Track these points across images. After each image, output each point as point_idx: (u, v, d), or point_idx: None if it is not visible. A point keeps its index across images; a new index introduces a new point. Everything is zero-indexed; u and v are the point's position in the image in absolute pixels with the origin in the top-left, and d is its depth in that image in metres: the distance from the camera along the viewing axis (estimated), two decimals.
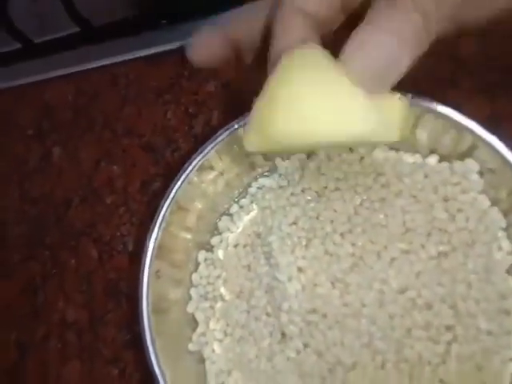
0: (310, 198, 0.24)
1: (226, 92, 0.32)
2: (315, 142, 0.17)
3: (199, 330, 0.24)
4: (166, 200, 0.24)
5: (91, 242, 0.32)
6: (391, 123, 0.17)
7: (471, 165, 0.22)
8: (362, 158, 0.24)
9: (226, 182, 0.27)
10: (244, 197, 0.27)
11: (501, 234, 0.21)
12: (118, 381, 0.29)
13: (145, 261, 0.24)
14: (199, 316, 0.25)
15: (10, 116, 0.38)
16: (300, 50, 0.16)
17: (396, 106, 0.17)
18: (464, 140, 0.21)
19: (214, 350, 0.24)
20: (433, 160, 0.23)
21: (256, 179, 0.27)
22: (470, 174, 0.22)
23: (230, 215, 0.27)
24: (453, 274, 0.21)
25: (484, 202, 0.22)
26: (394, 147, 0.24)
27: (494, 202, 0.22)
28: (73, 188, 0.33)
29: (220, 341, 0.24)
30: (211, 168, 0.25)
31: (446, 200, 0.22)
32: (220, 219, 0.27)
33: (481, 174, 0.22)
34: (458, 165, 0.22)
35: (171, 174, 0.25)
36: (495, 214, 0.21)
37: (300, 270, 0.22)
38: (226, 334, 0.24)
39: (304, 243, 0.22)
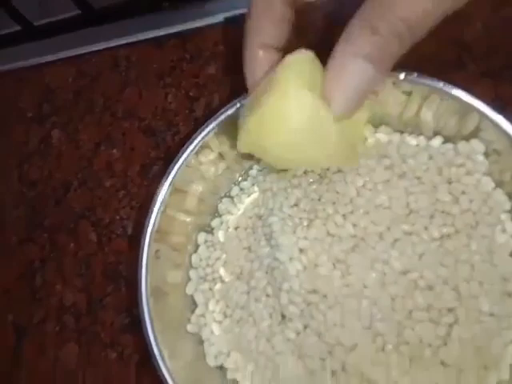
0: (312, 180, 0.24)
1: (227, 75, 0.31)
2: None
3: (198, 311, 0.24)
4: (165, 183, 0.24)
5: (90, 226, 0.32)
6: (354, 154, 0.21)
7: (476, 145, 0.21)
8: (365, 139, 0.23)
9: (227, 165, 0.26)
10: (245, 179, 0.27)
11: (505, 216, 0.21)
12: (117, 364, 0.28)
13: (144, 243, 0.24)
14: (198, 297, 0.25)
15: (9, 99, 0.37)
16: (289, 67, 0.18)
17: (362, 117, 0.19)
18: (470, 121, 0.21)
19: (212, 332, 0.24)
20: (437, 142, 0.23)
21: (258, 161, 0.26)
22: (475, 155, 0.21)
23: (231, 198, 0.27)
24: (456, 255, 0.20)
25: (488, 183, 0.21)
26: (397, 129, 0.24)
27: (499, 184, 0.21)
28: (72, 171, 0.33)
29: (219, 322, 0.24)
30: (210, 149, 0.25)
31: (449, 182, 0.22)
32: (221, 202, 0.27)
33: (486, 155, 0.22)
34: (462, 145, 0.22)
35: (171, 158, 0.25)
36: (499, 196, 0.21)
37: (301, 250, 0.21)
38: (225, 316, 0.24)
39: (305, 224, 0.22)
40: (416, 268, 0.20)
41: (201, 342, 0.24)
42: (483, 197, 0.21)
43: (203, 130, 0.24)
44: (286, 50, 0.19)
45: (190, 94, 0.32)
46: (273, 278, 0.22)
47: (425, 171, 0.22)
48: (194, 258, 0.25)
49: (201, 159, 0.25)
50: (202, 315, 0.24)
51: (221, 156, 0.26)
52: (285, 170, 0.24)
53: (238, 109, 0.23)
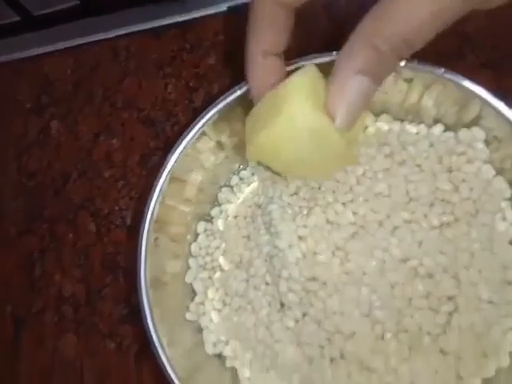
0: None
1: (227, 66, 0.31)
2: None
3: (197, 299, 0.24)
4: (163, 172, 0.24)
5: (89, 216, 0.32)
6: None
7: (477, 133, 0.21)
8: (365, 127, 0.23)
9: (226, 154, 0.26)
10: (245, 169, 0.27)
11: (505, 204, 0.21)
12: (115, 354, 0.28)
13: (142, 233, 0.24)
14: (197, 286, 0.24)
15: (8, 89, 0.37)
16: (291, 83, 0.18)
17: (361, 123, 0.21)
18: (471, 108, 0.21)
19: (211, 320, 0.24)
20: (438, 130, 0.23)
21: None
22: (476, 143, 0.21)
23: (231, 187, 0.27)
24: (456, 243, 0.20)
25: (489, 171, 0.21)
26: (398, 118, 0.24)
27: (499, 172, 0.21)
28: (71, 161, 0.33)
29: (218, 310, 0.24)
30: (209, 138, 0.25)
31: (450, 171, 0.22)
32: (220, 191, 0.27)
33: (487, 143, 0.21)
34: (463, 133, 0.22)
35: (171, 148, 0.25)
36: (500, 184, 0.21)
37: (300, 238, 0.21)
38: (224, 304, 0.24)
39: (305, 212, 0.22)
40: (416, 256, 0.20)
41: (200, 329, 0.24)
42: (483, 185, 0.21)
43: (202, 117, 0.24)
44: (287, 52, 0.20)
45: (190, 84, 0.32)
46: (272, 265, 0.22)
47: (425, 159, 0.22)
48: (194, 246, 0.25)
49: (199, 148, 0.25)
50: (201, 303, 0.24)
51: (220, 145, 0.26)
52: None
53: (237, 97, 0.23)
